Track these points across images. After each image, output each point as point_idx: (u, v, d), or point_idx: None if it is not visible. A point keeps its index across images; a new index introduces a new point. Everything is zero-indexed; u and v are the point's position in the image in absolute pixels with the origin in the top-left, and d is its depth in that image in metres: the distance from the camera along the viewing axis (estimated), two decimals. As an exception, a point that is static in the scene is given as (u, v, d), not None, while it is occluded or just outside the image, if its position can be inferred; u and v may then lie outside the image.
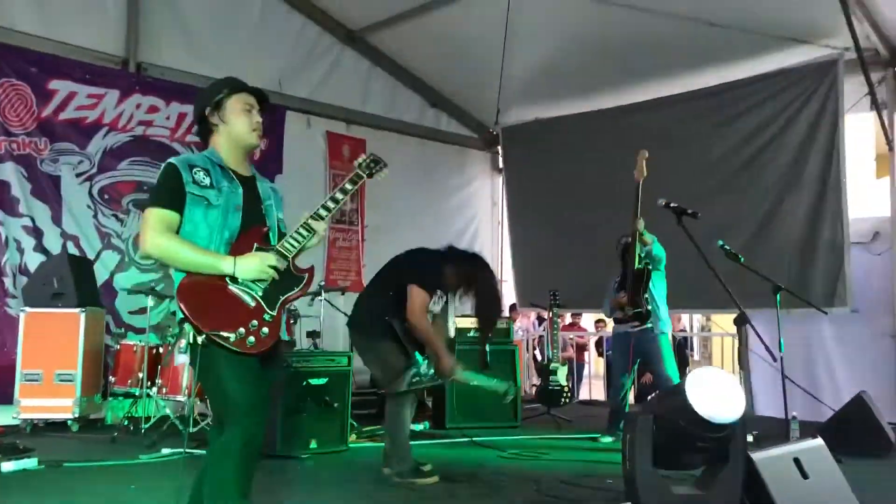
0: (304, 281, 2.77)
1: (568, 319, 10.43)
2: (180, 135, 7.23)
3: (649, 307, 5.61)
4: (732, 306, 6.23)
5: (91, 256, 6.67)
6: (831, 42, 6.76)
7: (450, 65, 8.85)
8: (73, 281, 5.94)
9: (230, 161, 2.80)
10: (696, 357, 15.02)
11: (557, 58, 8.20)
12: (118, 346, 6.19)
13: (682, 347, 8.78)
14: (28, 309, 5.81)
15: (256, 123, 2.82)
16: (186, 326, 2.57)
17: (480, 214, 10.09)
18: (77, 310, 5.83)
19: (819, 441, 3.27)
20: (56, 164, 6.58)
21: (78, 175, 6.70)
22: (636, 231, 5.56)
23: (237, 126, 2.78)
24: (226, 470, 2.60)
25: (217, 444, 2.68)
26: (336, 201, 2.82)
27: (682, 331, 9.68)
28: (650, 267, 5.63)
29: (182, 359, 5.72)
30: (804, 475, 3.05)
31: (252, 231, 2.74)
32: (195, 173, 2.66)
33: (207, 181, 2.67)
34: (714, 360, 13.24)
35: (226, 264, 2.61)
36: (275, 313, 2.65)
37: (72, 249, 6.57)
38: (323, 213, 2.79)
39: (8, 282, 6.30)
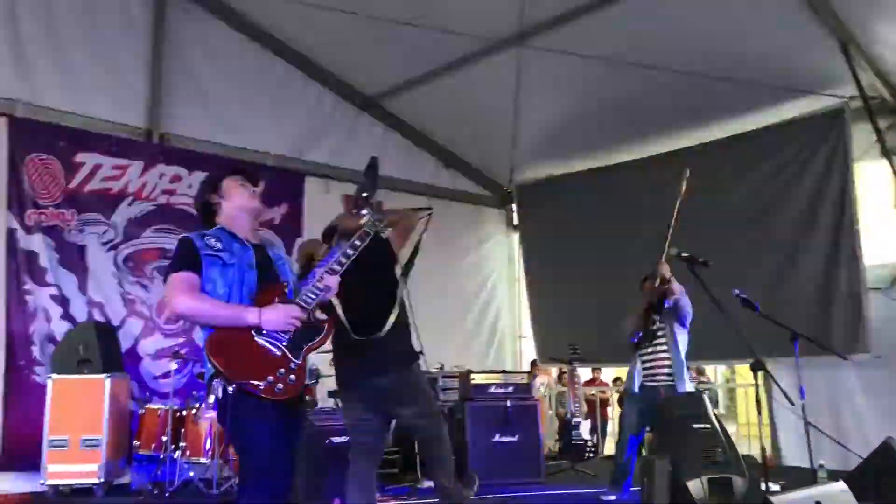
0: (325, 330, 2.89)
1: (588, 375, 10.38)
2: (203, 202, 7.40)
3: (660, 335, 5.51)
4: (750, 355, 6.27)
5: (116, 323, 6.80)
6: (838, 91, 6.88)
7: (463, 126, 9.06)
8: (99, 347, 6.05)
9: (238, 233, 3.02)
10: (722, 410, 14.83)
11: (569, 115, 8.38)
12: (143, 411, 6.28)
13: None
14: (55, 376, 5.90)
15: (252, 191, 3.08)
16: (216, 382, 2.69)
17: (497, 271, 10.17)
18: (102, 376, 5.92)
19: (841, 485, 3.26)
20: (82, 233, 6.77)
21: (103, 244, 6.88)
22: (661, 274, 5.46)
23: (236, 197, 3.04)
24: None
25: (242, 501, 2.74)
26: (347, 257, 3.02)
27: (703, 382, 9.60)
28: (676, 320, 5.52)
29: (209, 416, 5.77)
30: (828, 519, 3.04)
31: (272, 287, 2.91)
32: (207, 240, 2.87)
33: (219, 245, 2.87)
34: (739, 412, 13.07)
35: (251, 315, 2.75)
36: (300, 361, 2.78)
37: (97, 316, 6.71)
38: (336, 267, 2.99)
39: (35, 350, 6.42)
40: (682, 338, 5.66)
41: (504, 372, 6.98)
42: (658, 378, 5.59)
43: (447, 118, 9.03)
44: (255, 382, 2.64)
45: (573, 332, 7.95)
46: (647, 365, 5.65)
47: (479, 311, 9.79)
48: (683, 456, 3.52)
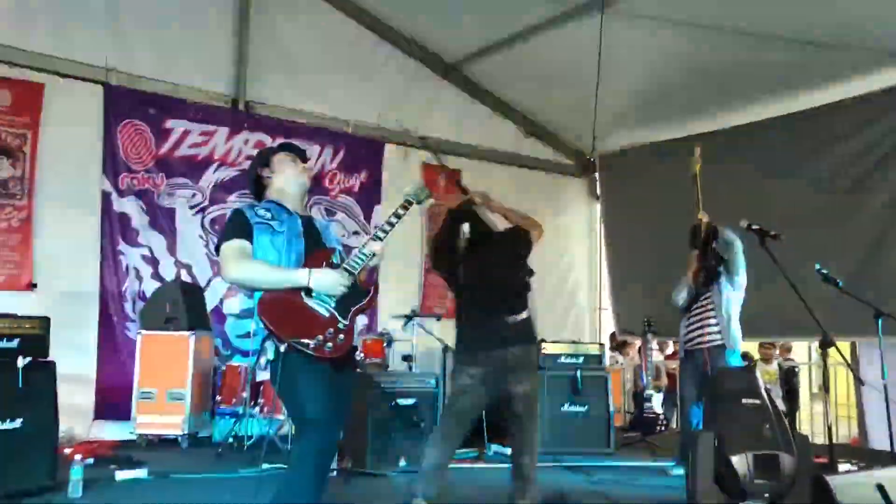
0: (371, 293, 2.99)
1: (671, 348, 10.20)
2: (285, 168, 7.61)
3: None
4: (841, 334, 6.03)
5: (203, 283, 7.11)
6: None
7: (544, 93, 8.94)
8: (185, 306, 6.35)
9: (287, 205, 3.15)
10: (815, 389, 14.27)
11: (653, 83, 8.16)
12: (224, 368, 6.57)
13: (790, 377, 8.42)
14: (144, 332, 6.25)
15: (302, 167, 3.22)
16: (267, 343, 2.82)
17: (577, 242, 10.07)
18: (187, 333, 6.22)
19: (910, 468, 3.12)
20: (172, 197, 7.08)
21: (191, 207, 7.18)
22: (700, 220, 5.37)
23: (287, 171, 3.17)
24: (299, 476, 2.78)
25: (293, 450, 2.88)
26: (391, 224, 3.13)
27: (789, 360, 9.29)
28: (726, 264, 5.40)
29: (264, 376, 6.00)
30: (889, 502, 2.92)
31: (319, 253, 3.03)
32: (257, 210, 2.99)
33: (269, 214, 3.00)
34: (830, 391, 12.56)
35: (301, 276, 2.85)
36: (348, 322, 2.87)
37: (185, 277, 7.03)
38: (381, 234, 3.12)
39: (128, 307, 6.79)
40: (734, 296, 5.45)
41: (574, 342, 6.93)
42: (700, 341, 5.43)
43: (529, 85, 8.93)
44: (305, 341, 2.76)
45: (654, 305, 7.80)
46: (692, 327, 5.52)
47: (557, 281, 9.73)
48: (730, 431, 3.44)
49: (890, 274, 6.77)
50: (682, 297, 5.64)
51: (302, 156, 3.29)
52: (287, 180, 3.16)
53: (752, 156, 7.66)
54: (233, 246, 2.92)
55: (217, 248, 2.99)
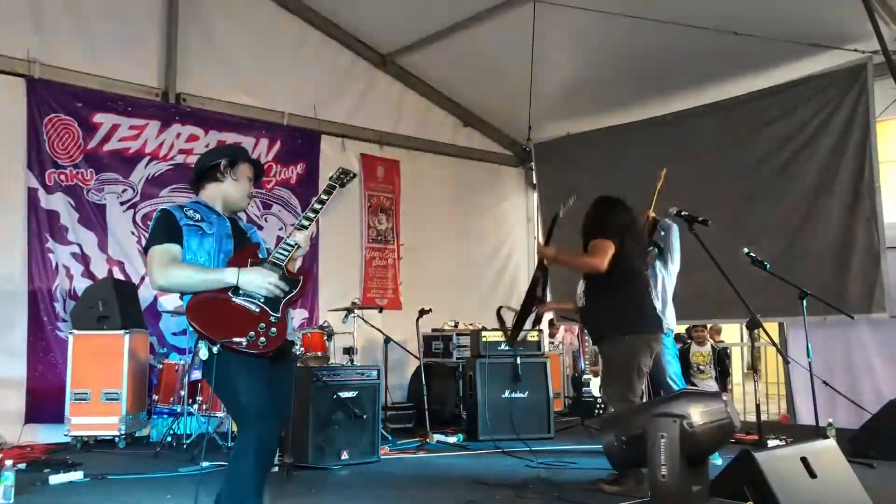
0: (300, 283, 2.98)
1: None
2: (219, 161, 7.48)
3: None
4: (769, 314, 6.24)
5: (136, 280, 6.95)
6: (859, 46, 6.71)
7: (480, 83, 9.00)
8: (118, 304, 6.21)
9: (218, 209, 3.14)
10: (745, 370, 14.77)
11: (586, 72, 8.30)
12: (161, 366, 6.46)
13: (722, 358, 8.71)
14: (76, 332, 6.09)
15: (251, 192, 3.22)
16: (200, 344, 2.79)
17: (516, 231, 10.17)
18: (121, 332, 6.09)
19: (830, 442, 3.28)
20: (101, 193, 6.90)
21: (122, 203, 7.01)
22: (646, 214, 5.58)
23: (241, 189, 3.16)
24: (241, 470, 2.78)
25: (234, 446, 2.86)
26: (315, 211, 3.12)
27: (720, 342, 9.59)
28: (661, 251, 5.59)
29: (196, 375, 5.94)
30: (812, 474, 3.06)
31: (245, 249, 3.01)
32: (186, 211, 2.95)
33: (198, 216, 2.97)
34: (760, 370, 13.00)
35: (229, 275, 2.84)
36: (279, 314, 2.85)
37: (117, 274, 6.86)
38: (305, 222, 3.11)
39: (58, 306, 6.60)
40: (668, 281, 5.63)
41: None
42: None
43: (464, 76, 8.98)
44: (238, 339, 2.74)
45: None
46: None
47: (498, 270, 9.82)
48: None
49: (814, 255, 7.03)
50: None
51: (259, 178, 3.30)
52: (238, 193, 3.15)
53: (682, 143, 7.84)
54: (160, 250, 2.88)
55: (145, 250, 2.94)
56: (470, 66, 8.68)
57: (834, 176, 6.98)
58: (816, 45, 6.81)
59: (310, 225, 3.08)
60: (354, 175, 3.35)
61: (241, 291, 2.84)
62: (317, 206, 3.11)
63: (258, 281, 2.85)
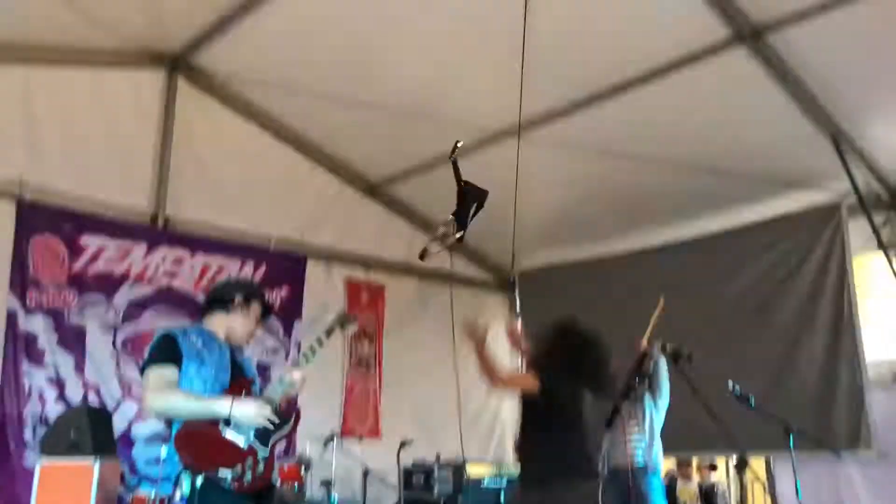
0: (292, 420, 2.94)
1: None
2: (204, 285, 7.46)
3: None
4: (756, 448, 6.15)
5: (111, 406, 6.77)
6: (833, 186, 6.95)
7: (465, 213, 9.15)
8: (91, 431, 5.98)
9: (219, 337, 3.18)
10: (733, 504, 14.42)
11: (569, 204, 8.50)
12: (131, 498, 6.18)
13: (709, 495, 8.52)
14: (44, 459, 5.85)
15: (253, 333, 3.30)
16: (183, 476, 2.70)
17: (500, 359, 10.07)
18: (90, 460, 5.86)
19: None
20: (83, 315, 6.81)
21: (103, 326, 6.91)
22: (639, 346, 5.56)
23: (247, 326, 3.23)
24: None
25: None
26: (313, 351, 3.11)
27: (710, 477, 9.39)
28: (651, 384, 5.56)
29: None
30: None
31: (239, 382, 2.96)
32: (189, 337, 2.92)
33: (200, 342, 2.93)
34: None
35: (223, 405, 2.79)
36: (268, 451, 2.80)
37: (93, 399, 6.69)
38: (303, 361, 3.07)
39: (28, 432, 6.38)
40: (657, 416, 5.58)
41: (499, 463, 6.87)
42: (624, 461, 5.48)
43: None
44: (223, 474, 2.67)
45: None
46: (616, 443, 5.58)
47: (481, 399, 9.68)
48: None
49: (798, 390, 7.03)
50: None
51: (266, 320, 3.38)
52: (244, 330, 3.22)
53: (664, 276, 7.96)
54: (157, 374, 2.85)
55: (142, 370, 2.90)
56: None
57: (814, 313, 7.09)
58: (791, 184, 7.05)
59: (306, 364, 3.09)
60: (355, 319, 3.44)
61: (231, 424, 2.80)
62: (315, 346, 3.16)
63: (252, 413, 2.82)
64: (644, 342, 5.59)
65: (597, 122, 6.94)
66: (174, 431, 2.81)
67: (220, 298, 3.15)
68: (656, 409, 5.57)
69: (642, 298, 7.41)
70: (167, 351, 2.90)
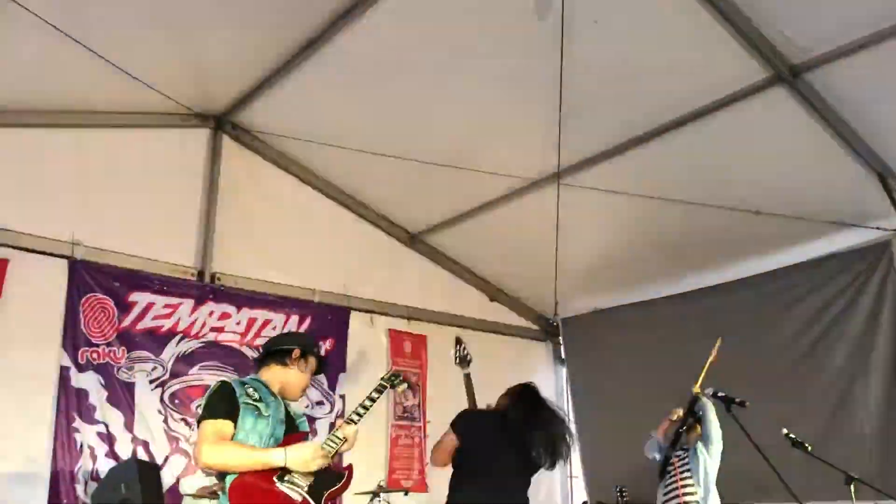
0: (346, 477, 2.94)
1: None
2: (249, 339, 7.56)
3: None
4: (814, 498, 5.95)
5: (160, 461, 6.82)
6: (881, 223, 6.82)
7: (507, 260, 9.18)
8: (140, 486, 6.04)
9: (273, 389, 3.22)
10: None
11: (612, 249, 8.44)
12: (178, 556, 6.19)
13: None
14: (95, 516, 5.91)
15: (307, 387, 3.36)
16: None
17: (546, 407, 9.95)
18: (141, 516, 5.89)
19: None
20: (131, 371, 6.91)
21: (151, 381, 7.00)
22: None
23: (303, 380, 3.29)
24: None
25: None
26: (366, 408, 3.13)
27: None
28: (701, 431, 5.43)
29: None
30: None
31: (293, 437, 2.96)
32: (246, 388, 2.95)
33: (257, 395, 2.95)
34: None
35: (277, 455, 2.81)
36: None
37: (142, 454, 6.75)
38: (355, 417, 3.11)
39: (79, 488, 6.44)
40: (711, 465, 5.43)
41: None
42: None
43: (491, 253, 9.18)
44: (275, 528, 2.66)
45: (625, 472, 7.66)
46: (669, 495, 5.43)
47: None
48: None
49: (856, 436, 6.79)
50: (653, 453, 5.64)
51: (320, 373, 3.46)
52: (299, 383, 3.29)
53: (712, 320, 7.82)
54: (212, 425, 2.88)
55: (199, 421, 2.93)
56: (496, 243, 8.89)
57: (868, 354, 6.89)
58: (838, 223, 6.93)
59: (359, 420, 3.10)
60: (406, 380, 3.46)
61: (285, 478, 2.81)
62: (367, 404, 3.19)
63: (308, 457, 2.84)
64: (696, 388, 5.47)
65: (639, 166, 6.95)
66: (228, 483, 2.81)
67: (277, 351, 3.19)
68: (710, 457, 5.43)
69: (690, 341, 7.32)
70: (225, 403, 2.92)
